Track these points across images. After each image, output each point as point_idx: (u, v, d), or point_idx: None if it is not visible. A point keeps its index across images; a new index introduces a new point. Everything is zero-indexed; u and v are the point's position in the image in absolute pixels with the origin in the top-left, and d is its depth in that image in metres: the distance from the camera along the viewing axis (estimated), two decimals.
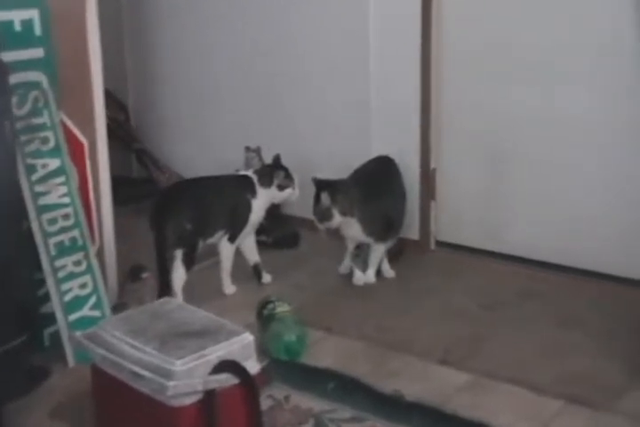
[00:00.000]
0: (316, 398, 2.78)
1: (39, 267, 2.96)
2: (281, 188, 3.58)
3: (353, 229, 3.55)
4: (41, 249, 2.95)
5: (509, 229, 3.84)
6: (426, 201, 3.96)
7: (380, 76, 3.92)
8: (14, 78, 2.80)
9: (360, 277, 3.65)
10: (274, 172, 3.58)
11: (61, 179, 3.04)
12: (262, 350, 2.87)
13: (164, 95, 4.77)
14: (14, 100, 2.86)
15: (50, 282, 2.97)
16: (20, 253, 2.82)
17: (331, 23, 4.02)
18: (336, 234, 3.65)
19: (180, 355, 2.21)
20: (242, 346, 2.31)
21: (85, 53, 3.19)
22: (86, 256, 3.08)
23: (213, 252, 3.56)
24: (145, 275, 3.45)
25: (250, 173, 3.62)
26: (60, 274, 2.99)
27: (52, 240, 2.98)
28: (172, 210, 3.37)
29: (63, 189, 3.04)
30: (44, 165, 3.00)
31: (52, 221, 2.99)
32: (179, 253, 3.33)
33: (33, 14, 2.99)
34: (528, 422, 2.65)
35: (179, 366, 2.18)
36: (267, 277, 3.68)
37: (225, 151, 4.39)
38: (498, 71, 3.69)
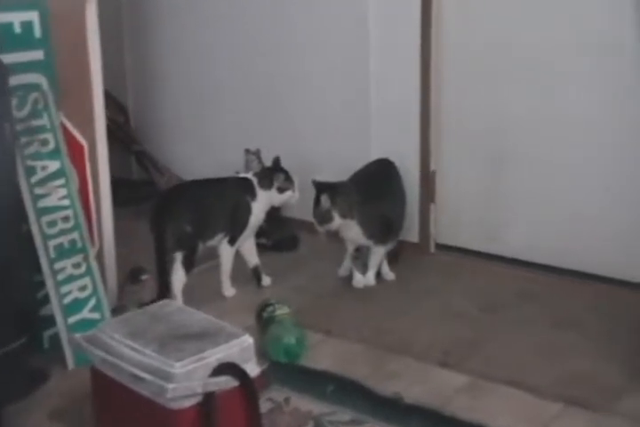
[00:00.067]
0: (315, 401, 2.78)
1: (39, 269, 2.96)
2: (281, 190, 3.58)
3: (353, 232, 3.55)
4: (40, 251, 2.95)
5: (509, 232, 3.84)
6: (425, 204, 3.95)
7: (380, 76, 3.92)
8: (14, 80, 2.80)
9: (360, 280, 3.65)
10: (274, 174, 3.58)
11: (61, 181, 3.04)
12: (262, 353, 2.86)
13: (164, 96, 4.77)
14: (14, 102, 2.86)
15: (49, 284, 2.97)
16: (20, 255, 2.83)
17: (331, 23, 4.02)
18: (336, 236, 3.64)
19: (179, 357, 2.21)
20: (241, 349, 2.31)
21: (85, 55, 3.18)
22: (86, 258, 3.07)
23: (213, 254, 3.56)
24: (144, 277, 3.45)
25: (250, 175, 3.63)
26: (60, 276, 2.99)
27: (52, 242, 2.98)
28: (171, 212, 3.37)
29: (63, 192, 3.04)
30: (43, 168, 3.00)
31: (52, 224, 2.99)
32: (178, 256, 3.33)
33: (33, 16, 2.99)
34: (527, 424, 2.64)
35: (178, 368, 2.18)
36: (266, 280, 3.68)
37: (225, 153, 4.38)
38: (498, 71, 3.69)
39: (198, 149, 4.66)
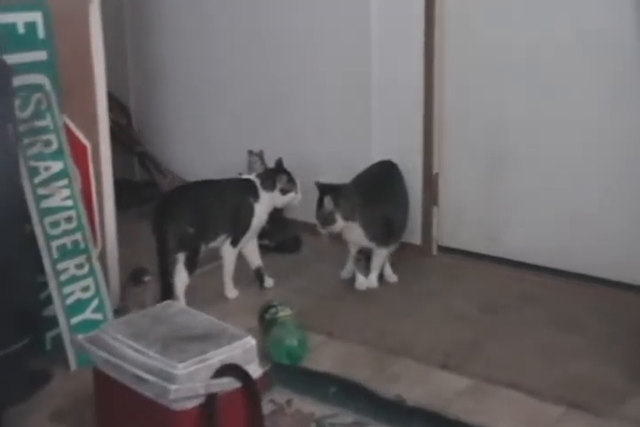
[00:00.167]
0: (317, 403, 2.78)
1: (41, 270, 2.96)
2: (283, 192, 3.58)
3: (355, 234, 3.55)
4: (43, 252, 2.95)
5: (511, 234, 3.84)
6: (428, 206, 3.95)
7: (382, 77, 3.92)
8: (17, 81, 2.80)
9: (362, 282, 3.65)
10: (276, 175, 3.58)
11: (64, 182, 3.04)
12: (264, 355, 2.86)
13: (166, 98, 4.78)
14: (17, 102, 2.86)
15: (52, 285, 2.97)
16: (23, 255, 2.83)
17: (333, 23, 4.02)
18: (338, 238, 3.64)
19: (182, 358, 2.21)
20: (244, 350, 2.31)
21: (88, 56, 3.19)
22: (88, 259, 3.07)
23: (216, 256, 3.56)
24: (147, 278, 3.44)
25: (252, 176, 3.63)
26: (63, 277, 2.99)
27: (55, 243, 2.98)
28: (174, 213, 3.37)
29: (66, 192, 3.04)
30: (46, 168, 3.00)
31: (55, 224, 2.99)
32: (181, 257, 3.33)
33: (36, 17, 2.99)
34: None
35: (181, 369, 2.19)
36: (269, 282, 3.67)
37: (227, 154, 4.38)
38: (498, 71, 3.69)
39: (200, 150, 4.66)
